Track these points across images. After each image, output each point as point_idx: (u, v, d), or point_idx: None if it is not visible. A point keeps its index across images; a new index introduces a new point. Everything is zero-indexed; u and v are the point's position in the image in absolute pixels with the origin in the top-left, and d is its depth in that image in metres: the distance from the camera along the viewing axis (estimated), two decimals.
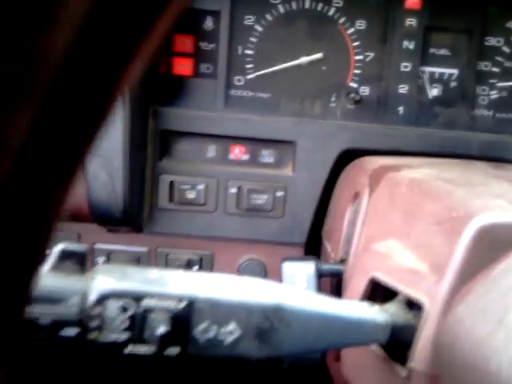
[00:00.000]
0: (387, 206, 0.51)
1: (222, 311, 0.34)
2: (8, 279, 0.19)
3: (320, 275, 0.60)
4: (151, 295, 0.33)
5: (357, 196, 0.62)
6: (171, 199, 0.74)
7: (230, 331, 0.35)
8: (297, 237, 0.76)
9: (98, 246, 0.76)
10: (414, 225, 0.44)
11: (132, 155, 0.66)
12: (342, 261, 0.62)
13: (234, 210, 0.74)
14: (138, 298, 0.33)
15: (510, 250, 0.33)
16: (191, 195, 0.74)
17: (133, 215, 0.69)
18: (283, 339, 0.36)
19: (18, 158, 0.17)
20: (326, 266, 0.60)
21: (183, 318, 0.33)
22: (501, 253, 0.34)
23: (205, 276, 0.36)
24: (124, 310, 0.32)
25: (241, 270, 0.78)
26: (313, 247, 0.78)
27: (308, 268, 0.59)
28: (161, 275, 0.34)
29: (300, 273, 0.59)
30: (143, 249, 0.76)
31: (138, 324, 0.33)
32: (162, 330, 0.32)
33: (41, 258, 0.21)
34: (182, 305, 0.33)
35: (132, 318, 0.33)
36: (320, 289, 0.60)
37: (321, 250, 0.77)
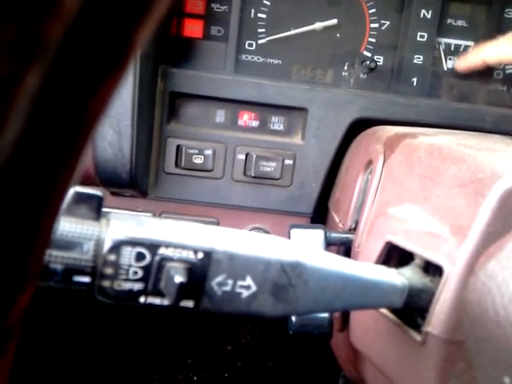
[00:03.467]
0: (404, 171, 0.50)
1: (239, 264, 0.33)
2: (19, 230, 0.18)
3: (328, 243, 0.59)
4: (168, 244, 0.32)
5: (369, 164, 0.60)
6: (178, 164, 0.72)
7: (247, 285, 0.34)
8: (304, 207, 0.75)
9: (104, 211, 0.74)
10: (434, 189, 0.42)
11: (140, 115, 0.65)
12: (351, 230, 0.61)
13: (241, 177, 0.73)
14: (154, 246, 0.31)
15: None
16: (198, 160, 0.72)
17: (139, 178, 0.68)
18: (299, 296, 0.35)
19: (30, 119, 0.17)
20: (334, 234, 0.59)
21: (200, 270, 0.32)
22: None
23: (223, 229, 0.35)
24: (140, 257, 0.31)
25: None
26: (319, 219, 0.77)
27: (317, 235, 0.58)
28: (178, 226, 0.33)
29: (308, 240, 0.58)
30: (147, 214, 0.75)
31: (153, 273, 0.32)
32: (178, 280, 0.31)
33: (59, 203, 0.20)
34: (200, 256, 0.32)
35: (148, 266, 0.31)
36: None
37: (327, 220, 0.76)
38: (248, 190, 0.74)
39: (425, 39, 0.75)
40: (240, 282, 0.34)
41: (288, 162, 0.73)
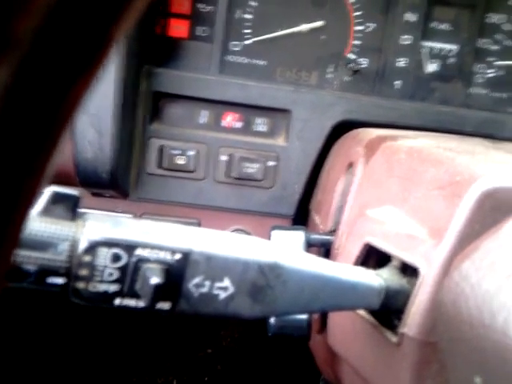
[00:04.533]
0: (384, 173, 0.50)
1: (217, 265, 0.33)
2: None
3: (309, 245, 0.59)
4: (145, 245, 0.31)
5: (350, 166, 0.61)
6: (160, 164, 0.72)
7: (225, 287, 0.34)
8: (286, 208, 0.75)
9: (81, 211, 0.73)
10: (413, 190, 0.43)
11: (123, 115, 0.64)
12: (332, 231, 0.61)
13: (223, 178, 0.73)
14: (131, 247, 0.31)
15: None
16: (181, 161, 0.72)
17: (120, 178, 0.67)
18: (278, 297, 0.35)
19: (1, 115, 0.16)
20: (315, 236, 0.59)
21: (177, 271, 0.32)
22: (504, 216, 0.33)
23: (201, 230, 0.34)
24: (116, 259, 0.31)
25: None
26: (300, 220, 0.77)
27: (297, 237, 0.58)
28: (155, 226, 0.33)
29: (289, 241, 0.58)
30: (128, 215, 0.74)
31: (129, 275, 0.31)
32: (154, 281, 0.31)
33: (29, 203, 0.20)
34: (177, 257, 0.32)
35: (124, 268, 0.31)
36: None
37: (308, 222, 0.76)
38: (230, 191, 0.74)
39: (409, 42, 0.75)
40: (218, 284, 0.33)
41: (271, 163, 0.73)
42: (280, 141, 0.74)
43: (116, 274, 0.31)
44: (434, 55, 0.77)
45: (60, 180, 0.67)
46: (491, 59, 0.77)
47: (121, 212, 0.74)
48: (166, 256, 0.32)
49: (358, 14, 0.75)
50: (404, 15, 0.75)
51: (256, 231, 0.77)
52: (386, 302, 0.38)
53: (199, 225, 0.76)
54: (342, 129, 0.73)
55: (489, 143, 0.59)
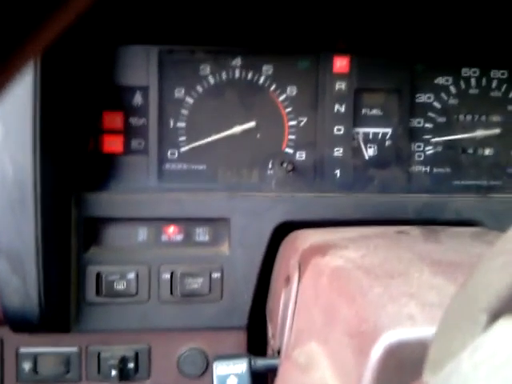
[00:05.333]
0: (311, 298, 0.47)
1: None
2: None
3: (254, 373, 0.55)
4: None
5: (288, 280, 0.58)
6: (99, 292, 0.68)
7: None
8: (238, 320, 0.71)
9: (23, 349, 0.69)
10: (332, 329, 0.40)
11: (48, 253, 0.61)
12: (279, 352, 0.58)
13: (168, 298, 0.69)
14: None
15: (417, 374, 0.29)
16: (120, 286, 0.68)
17: (54, 317, 0.63)
18: None
19: None
20: (260, 362, 0.56)
21: None
22: (409, 376, 0.30)
23: None
24: None
25: (181, 363, 0.72)
26: (260, 326, 0.73)
27: (239, 368, 0.54)
28: None
29: (232, 373, 0.54)
30: (73, 349, 0.70)
31: None
32: None
33: None
34: None
35: None
36: None
37: (267, 330, 0.72)
38: (177, 309, 0.70)
39: (342, 132, 0.74)
40: None
41: (216, 275, 0.70)
42: (223, 249, 0.71)
43: None
44: (370, 140, 0.76)
45: None
46: (427, 137, 0.76)
47: (66, 345, 0.70)
48: None
49: (289, 110, 0.75)
50: (333, 106, 0.74)
51: (211, 348, 0.72)
52: None
53: (149, 349, 0.72)
54: (286, 227, 0.71)
55: (421, 244, 0.56)
